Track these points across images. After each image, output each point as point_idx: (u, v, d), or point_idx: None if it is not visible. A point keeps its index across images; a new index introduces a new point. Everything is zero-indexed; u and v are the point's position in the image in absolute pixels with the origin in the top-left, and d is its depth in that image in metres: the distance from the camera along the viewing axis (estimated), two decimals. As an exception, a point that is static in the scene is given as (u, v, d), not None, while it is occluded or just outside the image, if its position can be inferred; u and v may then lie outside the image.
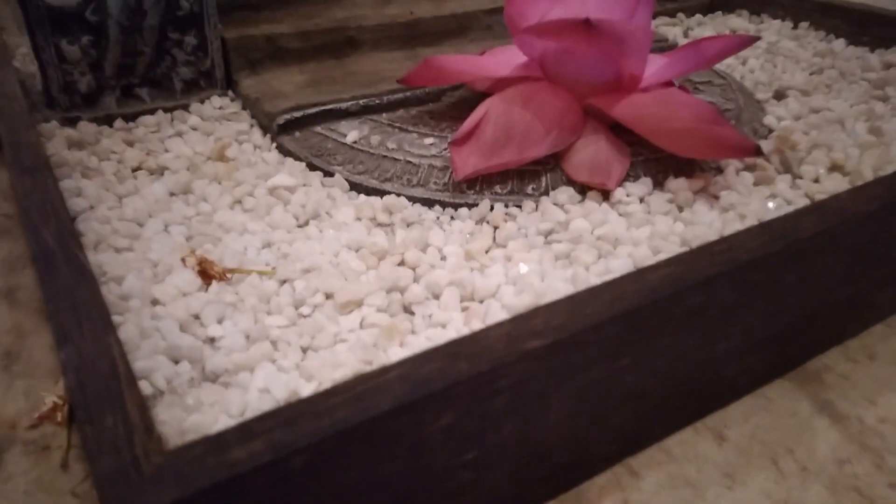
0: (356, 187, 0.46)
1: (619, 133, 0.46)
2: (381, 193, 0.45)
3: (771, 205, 0.42)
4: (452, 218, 0.44)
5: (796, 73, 0.62)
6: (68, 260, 0.30)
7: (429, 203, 0.45)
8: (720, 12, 0.77)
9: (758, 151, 0.41)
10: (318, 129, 0.52)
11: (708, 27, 0.73)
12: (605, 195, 0.43)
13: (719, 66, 0.64)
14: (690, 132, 0.43)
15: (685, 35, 0.70)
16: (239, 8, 0.60)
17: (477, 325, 0.32)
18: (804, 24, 0.71)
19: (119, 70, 0.52)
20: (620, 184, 0.44)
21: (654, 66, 0.46)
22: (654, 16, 0.74)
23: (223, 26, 0.57)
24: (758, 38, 0.48)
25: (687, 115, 0.43)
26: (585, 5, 0.47)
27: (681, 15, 0.75)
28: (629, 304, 0.27)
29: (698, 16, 0.76)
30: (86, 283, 0.28)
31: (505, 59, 0.49)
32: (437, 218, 0.44)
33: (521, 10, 0.53)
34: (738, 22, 0.73)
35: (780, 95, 0.58)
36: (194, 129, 0.53)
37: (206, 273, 0.35)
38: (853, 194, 0.34)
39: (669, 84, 0.47)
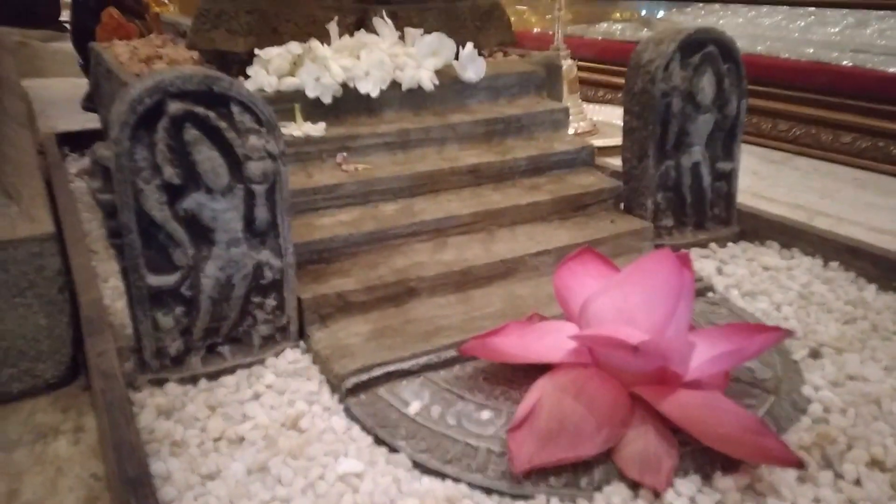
0: (419, 466, 0.50)
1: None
2: (443, 476, 0.49)
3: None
4: (510, 509, 0.47)
5: (830, 325, 0.66)
6: None
7: (487, 491, 0.48)
8: (751, 244, 0.81)
9: (800, 465, 0.44)
10: (382, 391, 0.56)
11: (741, 261, 0.77)
12: (657, 493, 0.46)
13: (757, 313, 0.68)
14: (736, 439, 0.46)
15: (719, 272, 0.75)
16: (312, 262, 0.67)
17: None
18: (834, 264, 0.75)
19: (205, 333, 0.58)
20: (671, 482, 0.46)
21: (699, 359, 0.50)
22: (687, 246, 0.79)
23: (297, 280, 0.63)
24: (793, 333, 0.52)
25: (732, 423, 0.46)
26: (628, 299, 0.51)
27: (713, 245, 0.80)
28: None
29: (730, 246, 0.81)
30: None
31: (555, 342, 0.54)
32: (496, 508, 0.47)
33: (567, 283, 0.59)
34: (770, 258, 0.77)
35: (815, 354, 0.61)
36: (269, 386, 0.58)
37: None
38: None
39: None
